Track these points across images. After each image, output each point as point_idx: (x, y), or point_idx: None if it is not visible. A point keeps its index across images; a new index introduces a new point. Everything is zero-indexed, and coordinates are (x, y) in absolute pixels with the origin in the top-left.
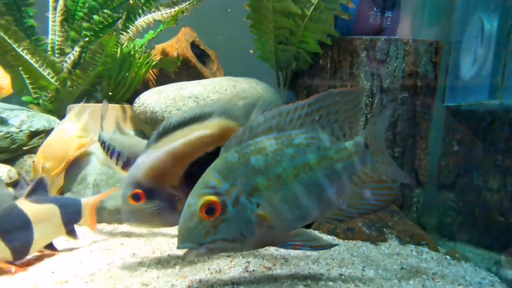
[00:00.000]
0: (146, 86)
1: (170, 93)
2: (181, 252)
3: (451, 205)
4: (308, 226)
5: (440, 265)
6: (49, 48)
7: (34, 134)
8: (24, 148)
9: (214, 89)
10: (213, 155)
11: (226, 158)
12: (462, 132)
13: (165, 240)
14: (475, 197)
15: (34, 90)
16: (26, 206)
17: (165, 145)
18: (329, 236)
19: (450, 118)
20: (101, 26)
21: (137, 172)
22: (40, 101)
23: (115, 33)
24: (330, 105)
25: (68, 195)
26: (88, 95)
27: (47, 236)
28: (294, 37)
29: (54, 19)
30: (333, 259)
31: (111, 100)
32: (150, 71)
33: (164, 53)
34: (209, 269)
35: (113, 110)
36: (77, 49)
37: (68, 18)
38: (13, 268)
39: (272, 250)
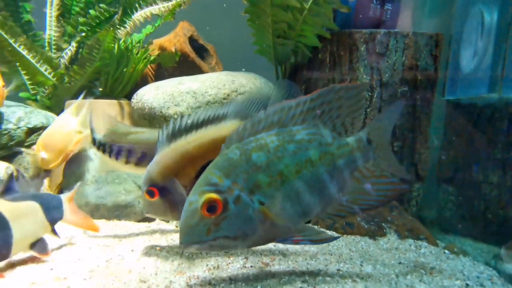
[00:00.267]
0: (144, 82)
1: (168, 89)
2: (179, 248)
3: (450, 199)
4: (307, 222)
5: (438, 259)
6: (46, 44)
7: (32, 131)
8: (23, 147)
9: (212, 84)
10: None
11: (227, 155)
12: (461, 126)
13: (164, 237)
14: (475, 191)
15: (32, 86)
16: (1, 205)
17: (179, 146)
18: (327, 231)
19: (450, 112)
20: (97, 21)
21: (152, 170)
22: (38, 97)
23: (112, 28)
24: (333, 101)
25: (67, 191)
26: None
27: (30, 235)
28: (292, 31)
29: (51, 14)
30: (331, 255)
31: (109, 96)
32: (148, 66)
33: (162, 48)
34: (207, 265)
35: (111, 106)
36: (74, 44)
37: (65, 13)
38: None
39: (270, 245)
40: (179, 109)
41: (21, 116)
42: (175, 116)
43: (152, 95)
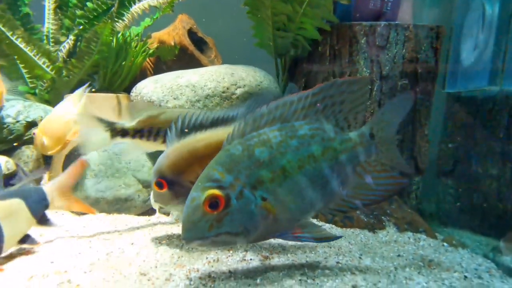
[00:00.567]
0: (143, 75)
1: (167, 82)
2: (179, 241)
3: (450, 192)
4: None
5: (437, 252)
6: (44, 37)
7: (31, 125)
8: (22, 140)
9: (211, 77)
10: None
11: (230, 151)
12: (462, 119)
13: (164, 230)
14: (474, 184)
15: (31, 80)
16: None
17: (188, 143)
18: (327, 225)
19: (450, 104)
20: (95, 14)
21: (162, 162)
22: (37, 91)
23: (110, 20)
24: (335, 95)
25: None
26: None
27: (18, 231)
28: (292, 24)
29: (49, 7)
30: (331, 248)
31: (107, 89)
32: (148, 59)
33: (161, 41)
34: (207, 258)
35: (109, 99)
36: (71, 37)
37: (62, 5)
38: None
39: (270, 239)
40: (178, 103)
41: (20, 110)
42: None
43: (151, 88)
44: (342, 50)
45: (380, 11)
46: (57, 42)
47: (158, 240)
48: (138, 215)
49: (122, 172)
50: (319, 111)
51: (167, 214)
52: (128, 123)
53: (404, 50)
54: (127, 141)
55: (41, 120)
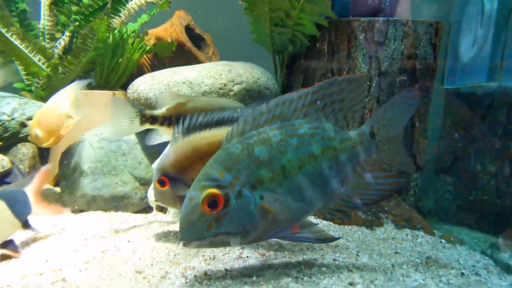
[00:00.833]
0: (140, 72)
1: (163, 79)
2: (175, 239)
3: (448, 189)
4: None
5: (434, 248)
6: (40, 34)
7: (25, 124)
8: (18, 138)
9: (208, 74)
10: None
11: (229, 149)
12: (460, 115)
13: (161, 227)
14: (472, 180)
15: (26, 77)
16: None
17: (192, 142)
18: (324, 222)
19: (449, 101)
20: (91, 10)
21: (165, 160)
22: (32, 88)
23: (105, 17)
24: (335, 93)
25: (63, 182)
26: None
27: (1, 234)
28: (290, 19)
29: (44, 3)
30: (328, 245)
31: (104, 87)
32: (145, 56)
33: (158, 38)
34: (203, 256)
35: (105, 96)
36: (67, 34)
37: (57, 1)
38: None
39: None
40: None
41: (15, 107)
42: None
43: (147, 85)
44: (340, 46)
45: (379, 7)
46: (53, 39)
47: (155, 238)
48: (135, 212)
49: (119, 169)
50: (319, 109)
51: (164, 211)
52: (158, 110)
53: (402, 46)
54: (155, 128)
55: None
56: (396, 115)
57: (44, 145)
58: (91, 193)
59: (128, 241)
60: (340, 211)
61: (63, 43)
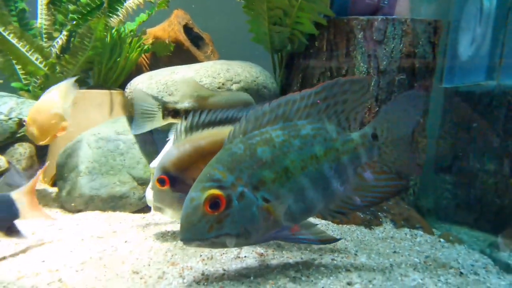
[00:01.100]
0: (139, 71)
1: (161, 78)
2: (173, 239)
3: (447, 188)
4: None
5: (433, 248)
6: (37, 33)
7: (22, 122)
8: (15, 138)
9: (206, 73)
10: None
11: (231, 149)
12: (459, 114)
13: (159, 228)
14: (472, 179)
15: (24, 76)
16: None
17: (194, 140)
18: (323, 221)
19: (448, 100)
20: (88, 9)
21: (167, 159)
22: (30, 87)
23: (103, 15)
24: (337, 95)
25: (60, 182)
26: (78, 81)
27: None
28: (288, 18)
29: (41, 2)
30: (326, 245)
31: (102, 86)
32: (143, 55)
33: (156, 37)
34: (201, 256)
35: (103, 96)
36: (64, 33)
37: (55, 0)
38: None
39: None
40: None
41: (12, 107)
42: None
43: (145, 84)
44: (339, 45)
45: (377, 6)
46: (50, 38)
47: (152, 238)
48: (133, 212)
49: (117, 169)
50: (322, 110)
51: (162, 211)
52: (180, 103)
53: (401, 45)
54: (177, 122)
55: None
56: (400, 116)
57: (41, 143)
58: (88, 193)
59: (126, 241)
60: (341, 212)
61: (60, 42)
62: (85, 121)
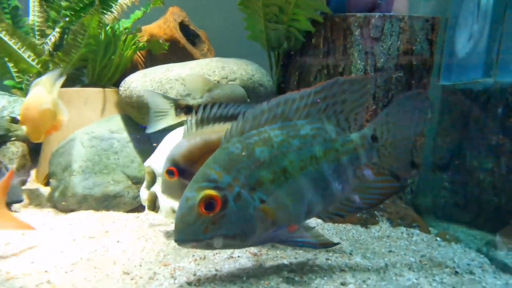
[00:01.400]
0: (135, 69)
1: (156, 76)
2: (166, 239)
3: (445, 186)
4: None
5: (429, 247)
6: (30, 30)
7: (16, 120)
8: (7, 136)
9: (201, 70)
10: None
11: (228, 149)
12: (457, 112)
13: (152, 228)
14: (469, 177)
15: (17, 74)
16: None
17: (203, 134)
18: (319, 220)
19: (445, 97)
20: (81, 5)
21: (177, 151)
22: (23, 85)
23: (96, 12)
24: (337, 94)
25: (53, 182)
26: (72, 79)
27: None
28: (284, 15)
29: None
30: None
31: (97, 84)
32: (139, 53)
33: (152, 35)
34: (193, 256)
35: (97, 94)
36: (57, 30)
37: None
38: None
39: None
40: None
41: (4, 105)
42: None
43: (140, 82)
44: (336, 42)
45: (375, 3)
46: (43, 35)
47: (145, 238)
48: (127, 212)
49: (111, 168)
50: (321, 110)
51: (156, 211)
52: (192, 99)
53: (399, 42)
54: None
55: None
56: (402, 118)
57: (36, 141)
58: (82, 192)
59: (118, 241)
60: (339, 215)
61: (53, 39)
62: (79, 119)
